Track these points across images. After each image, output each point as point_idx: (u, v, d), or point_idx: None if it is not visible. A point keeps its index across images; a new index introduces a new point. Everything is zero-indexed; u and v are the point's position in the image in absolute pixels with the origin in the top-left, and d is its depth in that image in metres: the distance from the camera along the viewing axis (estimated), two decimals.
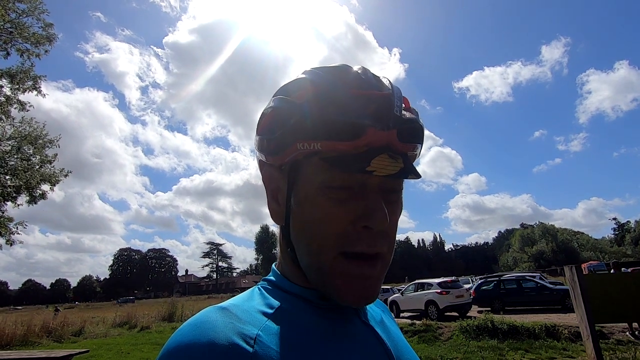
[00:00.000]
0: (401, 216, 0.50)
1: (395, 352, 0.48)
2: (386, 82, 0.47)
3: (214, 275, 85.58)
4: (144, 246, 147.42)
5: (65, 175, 12.59)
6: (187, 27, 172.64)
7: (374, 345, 0.47)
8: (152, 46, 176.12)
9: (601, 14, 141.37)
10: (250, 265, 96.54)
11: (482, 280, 15.94)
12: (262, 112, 0.50)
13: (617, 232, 65.79)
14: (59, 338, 11.53)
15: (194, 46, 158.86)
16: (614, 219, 70.39)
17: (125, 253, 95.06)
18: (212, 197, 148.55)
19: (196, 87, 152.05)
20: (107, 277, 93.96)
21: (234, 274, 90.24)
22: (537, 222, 71.90)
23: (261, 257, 79.79)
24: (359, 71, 0.46)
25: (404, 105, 0.46)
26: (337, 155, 0.42)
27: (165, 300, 18.38)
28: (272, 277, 0.51)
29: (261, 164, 0.52)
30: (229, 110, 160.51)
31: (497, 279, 14.90)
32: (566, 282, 5.94)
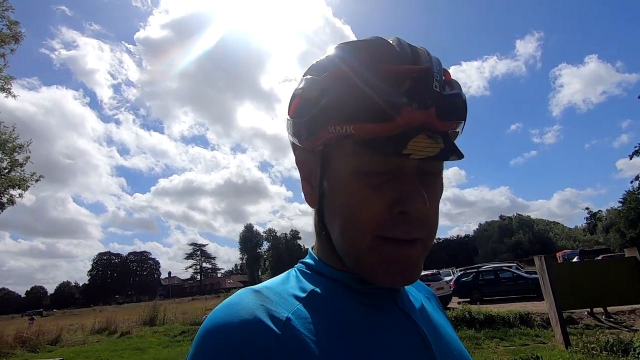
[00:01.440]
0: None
1: (436, 342, 0.45)
2: (424, 54, 0.43)
3: (198, 277, 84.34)
4: (123, 249, 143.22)
5: (37, 180, 12.14)
6: (159, 22, 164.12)
7: (409, 334, 0.44)
8: (123, 42, 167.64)
9: (571, 9, 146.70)
10: (235, 265, 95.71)
11: (461, 272, 16.35)
12: (293, 94, 0.47)
13: (589, 221, 68.54)
14: (33, 348, 11.14)
15: (167, 42, 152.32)
16: (587, 208, 73.30)
17: (105, 257, 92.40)
18: (192, 197, 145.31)
19: (172, 84, 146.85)
20: (87, 282, 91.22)
21: (219, 275, 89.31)
22: (515, 214, 74.20)
23: (246, 256, 79.10)
24: (393, 43, 0.42)
25: (444, 78, 0.42)
26: (371, 138, 0.39)
27: (147, 304, 18.00)
28: (309, 260, 0.50)
29: (294, 147, 0.50)
30: (206, 107, 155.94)
31: (476, 270, 15.32)
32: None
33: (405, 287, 0.51)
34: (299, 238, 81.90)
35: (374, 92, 0.38)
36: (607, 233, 53.89)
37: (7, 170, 11.63)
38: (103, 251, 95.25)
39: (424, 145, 0.38)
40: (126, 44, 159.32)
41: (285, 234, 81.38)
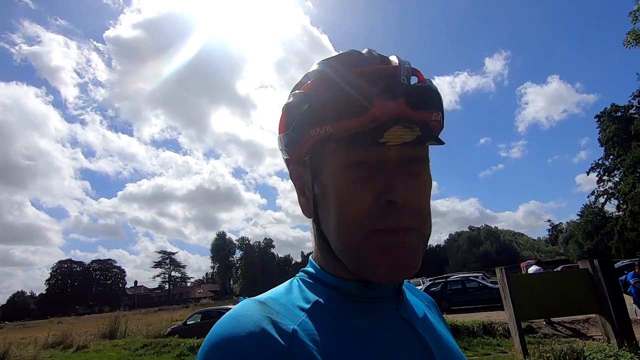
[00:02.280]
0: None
1: (438, 351, 0.46)
2: (393, 59, 0.47)
3: (167, 286, 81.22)
4: (86, 257, 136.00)
5: None
6: (131, 21, 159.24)
7: (413, 344, 0.44)
8: (91, 40, 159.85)
9: (536, 31, 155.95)
10: (206, 274, 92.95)
11: (430, 282, 16.68)
12: (281, 112, 0.51)
13: (551, 233, 72.07)
14: None
15: (139, 42, 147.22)
16: (549, 220, 77.14)
17: (66, 265, 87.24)
18: (162, 202, 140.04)
19: (143, 85, 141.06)
20: (44, 292, 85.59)
21: (188, 284, 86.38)
22: (483, 225, 76.89)
23: (217, 265, 77.16)
24: (364, 52, 0.47)
25: (417, 78, 0.46)
26: (349, 134, 0.42)
27: (109, 315, 17.09)
28: (310, 269, 0.51)
29: (287, 163, 0.53)
30: (179, 110, 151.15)
31: (444, 280, 15.69)
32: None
33: (408, 296, 0.52)
34: (273, 247, 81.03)
35: (347, 91, 0.42)
36: (567, 244, 56.85)
37: None
38: (64, 259, 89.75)
39: (400, 134, 0.40)
40: (95, 42, 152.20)
41: (259, 242, 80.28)
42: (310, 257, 0.54)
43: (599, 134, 38.49)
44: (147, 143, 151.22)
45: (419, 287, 16.83)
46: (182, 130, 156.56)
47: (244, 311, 0.40)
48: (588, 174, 40.90)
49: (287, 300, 0.43)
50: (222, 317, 0.40)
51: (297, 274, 0.51)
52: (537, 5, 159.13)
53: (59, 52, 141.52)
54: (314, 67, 0.48)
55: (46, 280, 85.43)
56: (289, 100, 0.49)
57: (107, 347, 11.63)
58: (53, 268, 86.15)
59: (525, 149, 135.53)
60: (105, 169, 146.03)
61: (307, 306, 0.42)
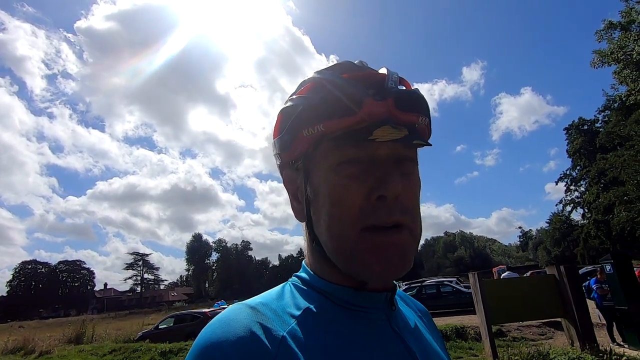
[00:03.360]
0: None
1: None
2: (382, 69, 0.49)
3: (138, 289, 78.58)
4: (51, 258, 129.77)
5: None
6: (104, 12, 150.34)
7: (402, 357, 0.44)
8: (61, 30, 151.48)
9: (510, 44, 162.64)
10: (181, 276, 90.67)
11: (406, 287, 16.94)
12: (276, 118, 0.52)
13: (522, 239, 74.90)
14: None
15: (113, 34, 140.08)
16: (520, 227, 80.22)
17: (30, 266, 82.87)
18: (135, 202, 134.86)
19: (117, 80, 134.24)
20: (5, 294, 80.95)
21: (161, 287, 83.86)
22: (458, 231, 79.04)
23: (192, 267, 75.46)
24: (356, 62, 0.50)
25: (404, 87, 0.48)
26: (340, 133, 0.43)
27: (75, 320, 16.34)
28: (303, 274, 0.51)
29: (281, 168, 0.53)
30: (155, 107, 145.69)
31: (420, 284, 15.98)
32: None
33: (400, 306, 0.53)
34: (251, 249, 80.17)
35: (339, 92, 0.44)
36: (536, 250, 59.18)
37: None
38: (27, 259, 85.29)
39: (389, 132, 0.42)
40: (65, 33, 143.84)
41: (236, 244, 79.23)
42: (303, 262, 0.54)
43: (567, 145, 40.54)
44: (120, 140, 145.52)
45: None
46: (157, 128, 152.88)
47: (234, 315, 0.40)
48: (557, 184, 42.96)
49: (278, 306, 0.43)
50: (211, 321, 0.40)
51: (290, 279, 0.51)
52: (512, 19, 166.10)
53: (25, 40, 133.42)
54: (309, 75, 0.51)
55: (7, 282, 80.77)
56: (284, 105, 0.50)
57: (72, 353, 11.11)
58: (15, 269, 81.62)
59: (498, 157, 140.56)
60: (74, 166, 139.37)
61: (298, 313, 0.42)
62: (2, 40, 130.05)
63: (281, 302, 0.44)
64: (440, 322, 9.54)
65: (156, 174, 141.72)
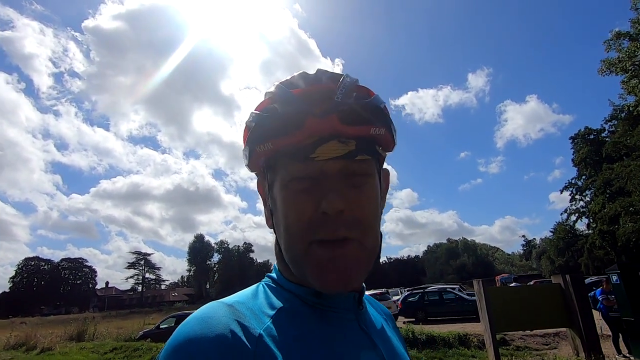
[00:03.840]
0: None
1: None
2: (339, 76, 0.49)
3: (140, 288, 78.66)
4: (54, 255, 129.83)
5: None
6: (112, 12, 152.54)
7: (369, 354, 0.46)
8: (69, 29, 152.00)
9: (517, 50, 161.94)
10: (182, 277, 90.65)
11: (408, 292, 16.85)
12: None
13: (525, 248, 74.24)
14: None
15: (120, 34, 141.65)
16: (523, 236, 79.61)
17: (32, 263, 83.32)
18: (138, 201, 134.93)
19: (123, 79, 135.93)
20: (7, 290, 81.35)
21: (162, 287, 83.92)
22: (461, 238, 78.56)
23: (194, 268, 75.49)
24: (311, 73, 0.50)
25: (356, 93, 0.48)
26: (287, 150, 0.45)
27: (76, 317, 16.39)
28: (273, 275, 0.53)
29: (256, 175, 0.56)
30: (160, 107, 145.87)
31: (422, 291, 15.88)
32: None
33: (368, 308, 0.55)
34: (252, 251, 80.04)
35: (284, 110, 0.46)
36: (540, 260, 58.62)
37: None
38: (30, 256, 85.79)
39: (333, 149, 0.44)
40: (72, 32, 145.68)
41: (238, 246, 79.21)
42: (275, 263, 0.55)
43: (572, 154, 40.27)
44: (124, 139, 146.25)
45: (397, 297, 17.03)
46: (162, 128, 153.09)
47: (212, 313, 0.40)
48: (562, 193, 42.64)
49: (253, 304, 0.44)
50: (188, 318, 0.40)
51: (263, 279, 0.53)
52: (519, 26, 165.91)
53: (33, 38, 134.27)
54: (271, 88, 0.52)
55: (10, 278, 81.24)
56: (247, 120, 0.53)
57: (73, 350, 11.13)
58: (19, 265, 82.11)
59: (503, 165, 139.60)
60: (79, 164, 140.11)
61: (272, 312, 0.44)
62: (11, 38, 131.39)
63: (256, 301, 0.46)
64: (443, 329, 9.46)
65: (160, 173, 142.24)
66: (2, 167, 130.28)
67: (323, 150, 0.44)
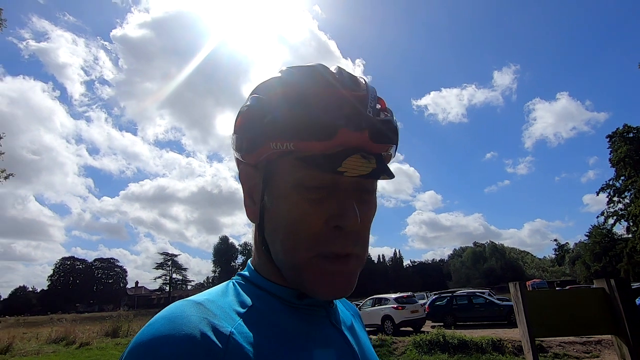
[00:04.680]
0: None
1: (362, 357, 0.49)
2: (362, 82, 0.47)
3: (167, 288, 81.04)
4: (87, 255, 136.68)
5: (6, 178, 11.51)
6: (138, 20, 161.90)
7: (342, 348, 0.47)
8: (99, 38, 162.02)
9: (546, 46, 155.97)
10: (208, 278, 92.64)
11: (436, 296, 16.47)
12: (239, 111, 0.50)
13: (557, 253, 71.02)
14: None
15: (146, 42, 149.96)
16: (555, 240, 76.28)
17: (68, 262, 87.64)
18: (164, 203, 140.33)
19: (149, 85, 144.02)
20: (45, 288, 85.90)
21: (189, 287, 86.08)
22: (489, 241, 76.07)
23: (219, 269, 77.01)
24: (334, 70, 0.46)
25: (379, 106, 0.47)
26: (310, 155, 0.42)
27: (110, 315, 17.09)
28: (246, 273, 0.51)
29: (238, 162, 0.52)
30: (184, 112, 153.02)
31: (450, 295, 15.48)
32: (512, 299, 6.30)
33: (337, 305, 0.55)
34: None
35: (314, 113, 0.42)
36: (574, 265, 55.89)
37: None
38: (65, 255, 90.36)
39: (358, 165, 0.42)
40: (102, 41, 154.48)
41: None
42: (249, 261, 0.54)
43: (609, 154, 38.14)
44: (150, 143, 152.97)
45: (423, 301, 16.67)
46: (186, 132, 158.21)
47: (179, 312, 0.38)
48: (598, 194, 40.45)
49: (223, 302, 0.43)
50: (155, 317, 0.38)
51: (234, 277, 0.51)
52: (547, 20, 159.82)
53: (66, 49, 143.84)
54: (280, 74, 0.48)
55: (48, 277, 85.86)
56: (250, 103, 0.48)
57: (109, 345, 11.62)
58: (56, 264, 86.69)
59: (532, 166, 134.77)
60: (109, 167, 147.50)
61: (243, 310, 0.42)
62: (46, 49, 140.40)
63: (226, 299, 0.44)
64: (474, 334, 9.19)
65: (184, 176, 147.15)
66: (40, 171, 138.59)
67: (349, 165, 0.41)
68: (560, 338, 8.11)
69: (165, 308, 0.40)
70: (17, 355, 10.75)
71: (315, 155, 0.42)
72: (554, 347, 8.17)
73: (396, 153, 0.50)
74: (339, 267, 0.44)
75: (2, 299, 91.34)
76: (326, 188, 0.44)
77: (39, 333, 15.17)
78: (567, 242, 71.13)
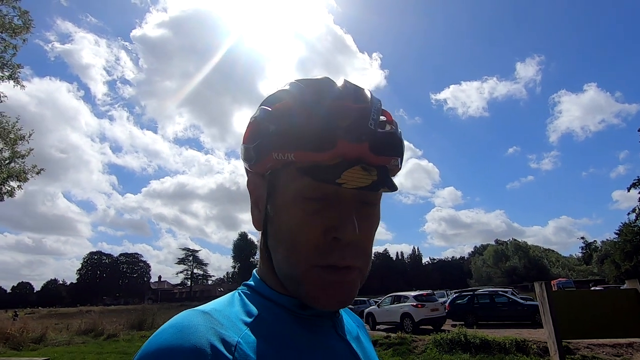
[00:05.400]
0: (379, 227, 0.51)
1: None
2: (366, 95, 0.47)
3: (189, 283, 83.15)
4: (112, 249, 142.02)
5: (37, 173, 12.05)
6: (157, 20, 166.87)
7: (348, 358, 0.47)
8: (120, 38, 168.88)
9: (572, 36, 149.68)
10: (227, 273, 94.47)
11: (456, 295, 16.20)
12: (248, 122, 0.51)
13: (584, 251, 68.49)
14: (17, 345, 10.86)
15: (164, 41, 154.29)
16: (582, 238, 73.38)
17: (96, 257, 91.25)
18: (184, 200, 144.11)
19: (169, 84, 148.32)
20: (75, 281, 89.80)
21: (209, 282, 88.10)
22: (511, 239, 74.07)
23: (238, 265, 78.27)
24: (339, 84, 0.47)
25: (384, 118, 0.47)
26: (310, 166, 0.42)
27: (135, 308, 17.71)
28: (251, 282, 0.52)
29: (247, 172, 0.53)
30: (202, 109, 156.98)
31: (471, 293, 15.20)
32: (536, 298, 6.12)
33: (343, 316, 0.55)
34: None
35: (314, 124, 0.42)
36: (602, 264, 53.74)
37: (7, 162, 11.55)
38: (92, 250, 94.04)
39: (358, 177, 0.42)
40: (123, 41, 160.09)
41: None
42: (254, 271, 0.54)
43: None
44: (170, 141, 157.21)
45: (443, 299, 16.44)
46: (204, 129, 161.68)
47: (187, 321, 0.38)
48: (629, 190, 38.62)
49: (230, 312, 0.43)
50: (163, 326, 0.39)
51: (239, 288, 0.52)
52: (573, 8, 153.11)
53: (89, 50, 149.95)
54: (287, 87, 0.48)
55: (77, 270, 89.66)
56: (257, 114, 0.49)
57: (135, 338, 12.04)
58: (84, 259, 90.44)
59: (557, 161, 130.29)
60: (132, 165, 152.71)
61: (250, 320, 0.42)
62: (71, 51, 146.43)
63: (233, 308, 0.44)
64: (496, 334, 8.98)
65: (203, 173, 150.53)
66: (67, 169, 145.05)
67: (349, 176, 0.41)
68: (589, 340, 7.82)
69: (173, 317, 0.40)
70: (50, 345, 11.30)
71: (314, 166, 0.42)
72: (582, 349, 7.90)
73: (402, 164, 0.50)
74: (338, 278, 0.44)
75: (35, 291, 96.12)
76: (326, 199, 0.44)
77: (69, 324, 15.88)
78: (595, 240, 68.55)
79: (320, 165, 0.42)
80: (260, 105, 0.51)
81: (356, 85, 0.48)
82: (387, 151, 0.45)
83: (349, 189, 0.43)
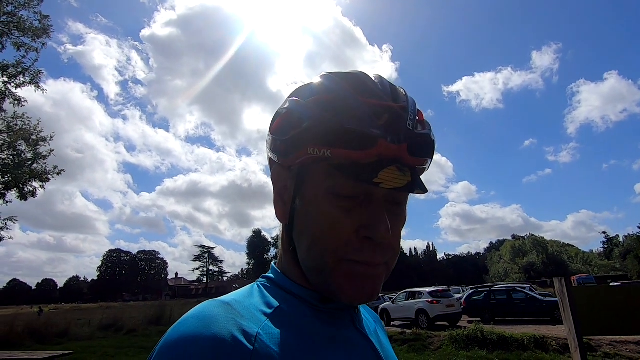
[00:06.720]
0: None
1: None
2: (402, 93, 0.47)
3: (204, 279, 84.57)
4: (129, 247, 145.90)
5: (58, 173, 12.41)
6: (165, 19, 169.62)
7: (367, 352, 0.47)
8: (130, 38, 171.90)
9: (591, 22, 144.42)
10: (242, 270, 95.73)
11: (472, 291, 15.98)
12: (277, 112, 0.50)
13: (606, 246, 66.56)
14: (42, 339, 11.27)
15: (174, 40, 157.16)
16: (604, 232, 71.32)
17: (115, 254, 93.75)
18: (197, 198, 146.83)
19: (179, 82, 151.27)
20: (95, 278, 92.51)
21: (225, 279, 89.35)
22: (528, 234, 72.55)
23: (253, 262, 79.13)
24: (375, 80, 0.47)
25: (417, 118, 0.47)
26: (346, 164, 0.42)
27: (153, 304, 18.11)
28: (271, 275, 0.51)
29: (271, 162, 0.52)
30: (213, 107, 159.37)
31: (488, 289, 14.97)
32: (555, 294, 5.99)
33: (362, 310, 0.56)
34: None
35: (353, 122, 0.42)
36: (625, 259, 52.13)
37: (30, 162, 11.93)
38: (110, 248, 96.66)
39: (394, 177, 0.42)
40: (133, 41, 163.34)
41: None
42: (272, 263, 0.54)
43: None
44: (182, 139, 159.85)
45: (459, 295, 16.24)
46: (215, 127, 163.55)
47: (208, 311, 0.39)
48: None
49: (250, 303, 0.43)
50: (184, 316, 0.39)
51: (258, 280, 0.51)
52: None
53: (100, 51, 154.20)
54: (321, 79, 0.48)
55: (97, 267, 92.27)
56: (288, 106, 0.48)
57: (154, 333, 12.33)
58: (104, 256, 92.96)
59: (576, 153, 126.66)
60: (145, 163, 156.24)
61: (269, 311, 0.43)
62: (83, 52, 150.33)
63: (252, 300, 0.44)
64: (514, 330, 8.83)
65: (215, 171, 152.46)
66: (84, 168, 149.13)
67: (385, 176, 0.41)
68: (611, 337, 7.60)
69: (194, 307, 0.41)
70: (73, 340, 11.68)
71: (351, 164, 0.42)
72: (604, 347, 7.69)
73: (429, 167, 0.50)
74: (368, 271, 0.44)
75: (58, 288, 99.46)
76: (358, 198, 0.44)
77: (91, 320, 16.37)
78: (617, 235, 66.48)
79: (357, 164, 0.42)
80: (290, 96, 0.50)
81: (390, 82, 0.48)
82: (423, 153, 0.45)
83: (382, 189, 0.43)
